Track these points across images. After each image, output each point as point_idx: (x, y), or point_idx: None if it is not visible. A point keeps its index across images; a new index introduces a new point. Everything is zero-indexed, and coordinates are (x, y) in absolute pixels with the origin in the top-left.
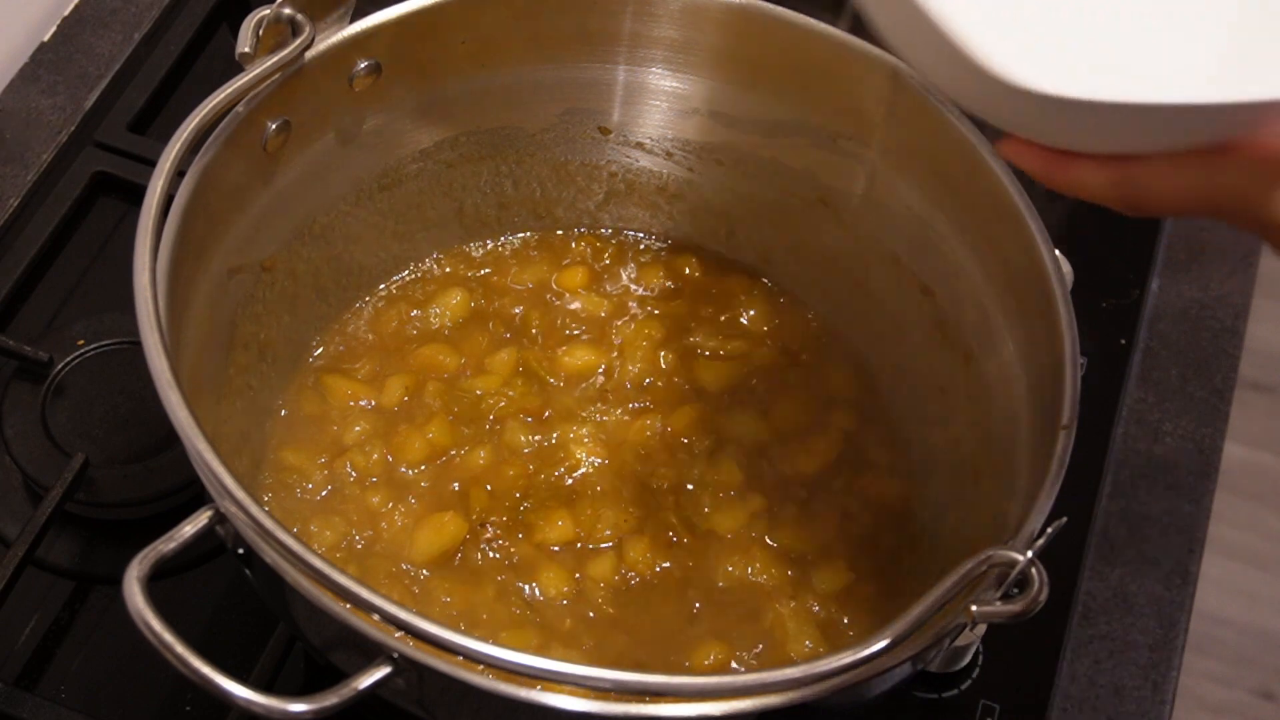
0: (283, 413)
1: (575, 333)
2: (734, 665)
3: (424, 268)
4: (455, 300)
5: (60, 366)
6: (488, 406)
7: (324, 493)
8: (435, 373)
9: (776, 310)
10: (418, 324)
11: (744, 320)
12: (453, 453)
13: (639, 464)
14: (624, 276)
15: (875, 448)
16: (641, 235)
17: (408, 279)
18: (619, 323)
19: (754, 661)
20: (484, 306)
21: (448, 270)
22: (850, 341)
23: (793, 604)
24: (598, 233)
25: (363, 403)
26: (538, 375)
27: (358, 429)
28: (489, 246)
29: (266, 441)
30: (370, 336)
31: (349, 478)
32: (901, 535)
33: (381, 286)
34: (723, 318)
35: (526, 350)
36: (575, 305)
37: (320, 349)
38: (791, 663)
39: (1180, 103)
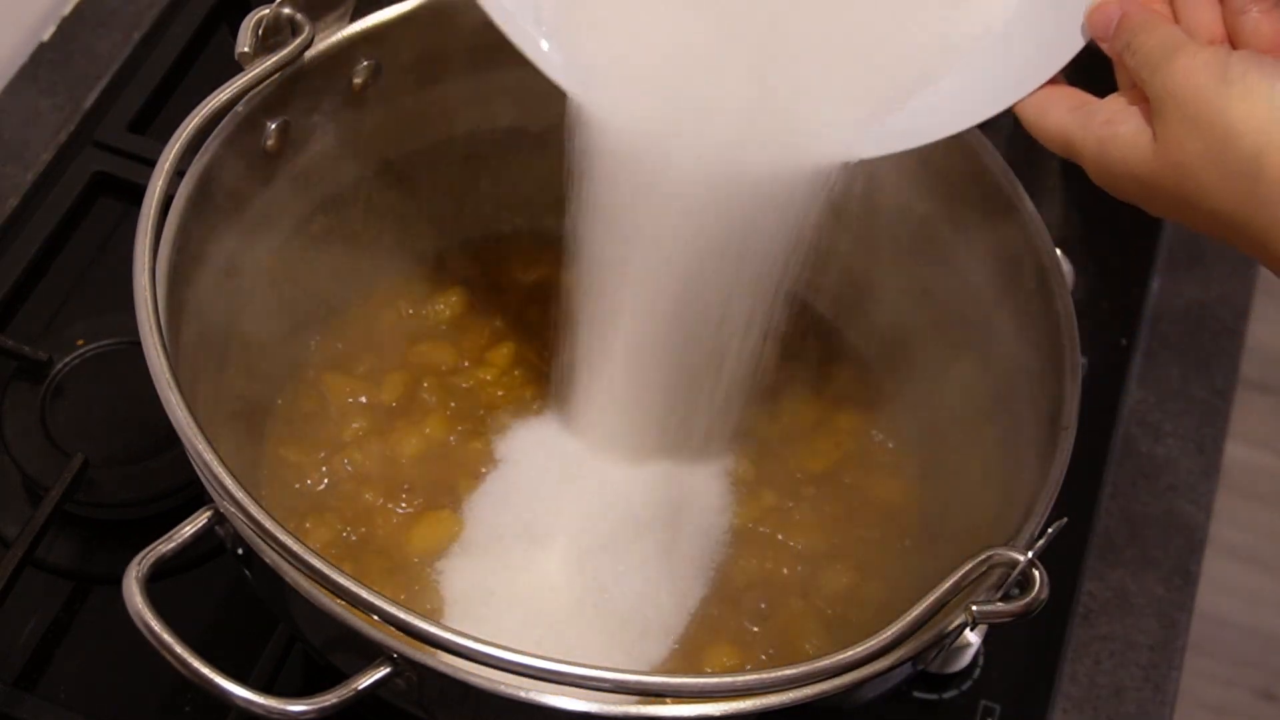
0: (281, 410)
1: None
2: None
3: (424, 267)
4: (454, 298)
5: (60, 366)
6: (486, 401)
7: (321, 489)
8: (433, 369)
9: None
10: (416, 321)
11: None
12: (450, 449)
13: None
14: None
15: (879, 448)
16: None
17: (408, 277)
18: None
19: (763, 660)
20: (483, 304)
21: (447, 268)
22: (852, 342)
23: (801, 603)
24: None
25: (361, 399)
26: (537, 370)
27: (355, 426)
28: (489, 246)
29: (265, 439)
30: (369, 334)
31: (346, 474)
32: (905, 535)
33: (381, 285)
34: None
35: (525, 347)
36: None
37: (319, 347)
38: (801, 661)
39: None
